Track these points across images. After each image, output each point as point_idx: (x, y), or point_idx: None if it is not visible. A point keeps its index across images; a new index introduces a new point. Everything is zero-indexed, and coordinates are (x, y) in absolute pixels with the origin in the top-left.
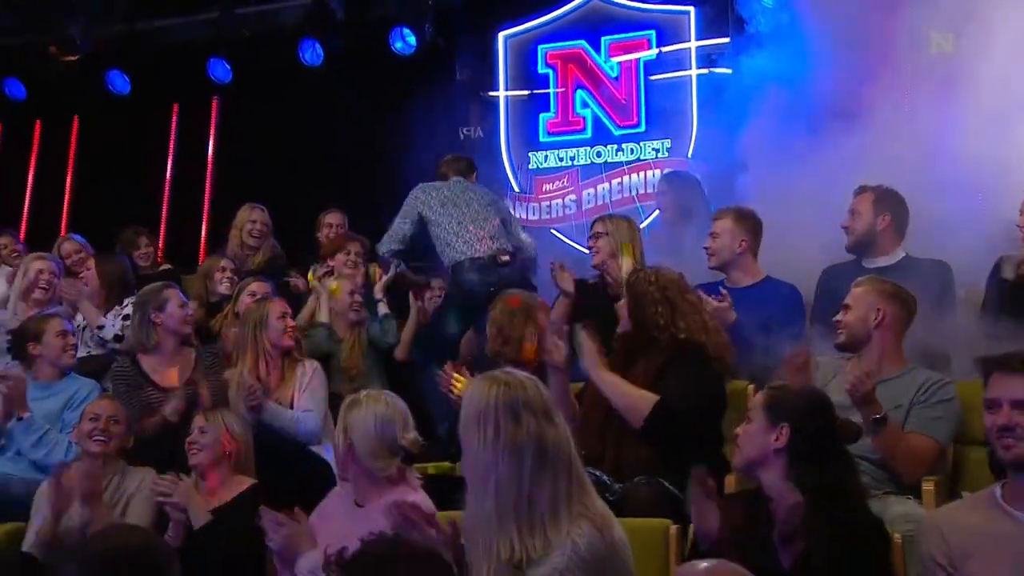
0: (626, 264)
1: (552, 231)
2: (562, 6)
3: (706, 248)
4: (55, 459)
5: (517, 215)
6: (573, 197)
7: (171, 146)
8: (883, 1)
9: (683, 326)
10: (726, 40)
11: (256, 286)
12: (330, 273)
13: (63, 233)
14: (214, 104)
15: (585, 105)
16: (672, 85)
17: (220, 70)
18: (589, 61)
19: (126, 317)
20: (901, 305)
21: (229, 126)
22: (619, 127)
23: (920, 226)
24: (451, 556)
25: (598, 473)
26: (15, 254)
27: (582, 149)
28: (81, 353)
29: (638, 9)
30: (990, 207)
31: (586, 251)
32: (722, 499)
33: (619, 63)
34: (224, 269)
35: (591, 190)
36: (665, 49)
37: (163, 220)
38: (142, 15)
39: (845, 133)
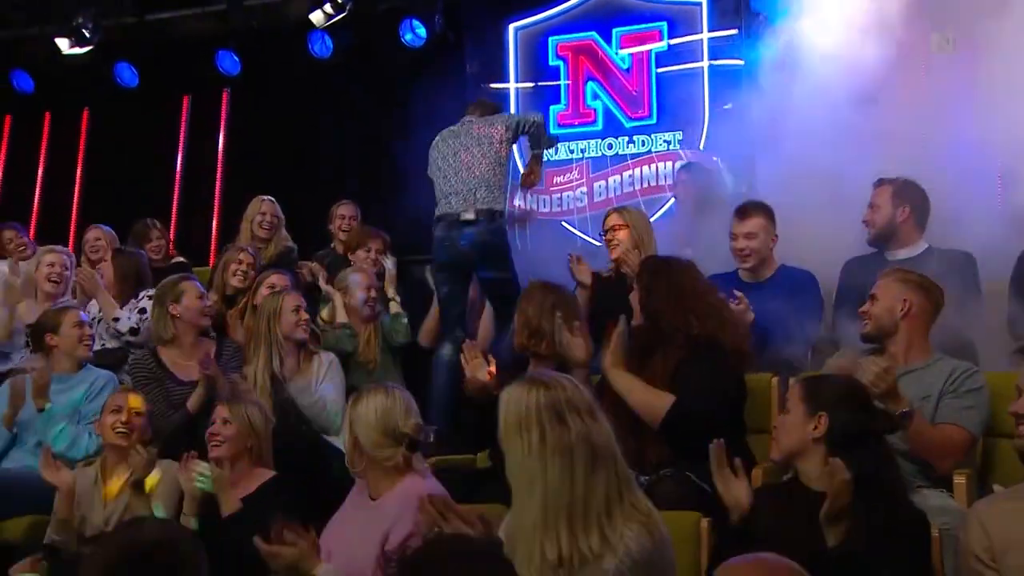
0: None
1: (563, 223)
2: None
3: (741, 250)
4: (78, 452)
5: (528, 207)
6: (584, 189)
7: (181, 138)
8: None
9: (695, 321)
10: (737, 31)
11: (275, 279)
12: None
13: (73, 226)
14: (224, 96)
15: (596, 97)
16: (684, 77)
17: (229, 62)
18: (600, 53)
19: (142, 311)
20: (927, 296)
21: (239, 118)
22: (630, 119)
23: (940, 215)
24: None
25: None
26: (21, 247)
27: (593, 141)
28: (95, 346)
29: (650, 0)
30: (1008, 195)
31: (597, 243)
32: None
33: (630, 55)
34: (241, 262)
35: (602, 182)
36: (676, 41)
37: (173, 212)
38: (151, 7)
39: (864, 121)
